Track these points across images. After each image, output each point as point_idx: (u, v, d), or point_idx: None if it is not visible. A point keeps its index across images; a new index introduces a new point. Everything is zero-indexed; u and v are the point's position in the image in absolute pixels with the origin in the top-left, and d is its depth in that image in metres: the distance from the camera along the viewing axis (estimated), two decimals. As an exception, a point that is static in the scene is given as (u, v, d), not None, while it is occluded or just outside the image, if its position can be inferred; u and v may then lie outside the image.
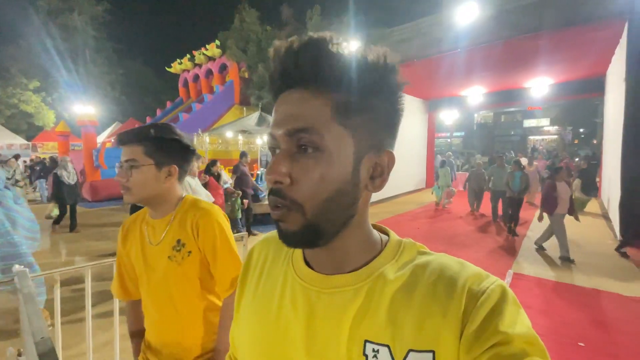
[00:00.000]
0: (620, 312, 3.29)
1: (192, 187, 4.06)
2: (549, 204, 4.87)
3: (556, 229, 4.90)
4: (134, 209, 3.70)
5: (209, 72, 20.68)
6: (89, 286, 1.85)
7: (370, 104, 0.40)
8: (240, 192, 5.69)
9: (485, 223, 7.33)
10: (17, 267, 1.49)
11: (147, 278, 1.09)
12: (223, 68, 19.81)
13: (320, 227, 0.40)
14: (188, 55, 21.16)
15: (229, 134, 8.95)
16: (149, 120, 19.71)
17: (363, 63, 0.39)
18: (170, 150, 1.09)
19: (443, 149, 27.39)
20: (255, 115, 9.15)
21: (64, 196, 6.46)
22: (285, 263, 0.50)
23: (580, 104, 23.45)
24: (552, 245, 5.23)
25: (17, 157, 10.03)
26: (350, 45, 0.39)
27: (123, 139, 1.05)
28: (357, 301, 0.41)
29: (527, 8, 6.85)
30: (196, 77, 21.52)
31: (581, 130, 27.41)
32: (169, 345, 1.09)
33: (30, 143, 19.39)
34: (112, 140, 15.24)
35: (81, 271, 1.86)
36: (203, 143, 8.59)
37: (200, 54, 20.40)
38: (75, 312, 3.13)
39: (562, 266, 4.61)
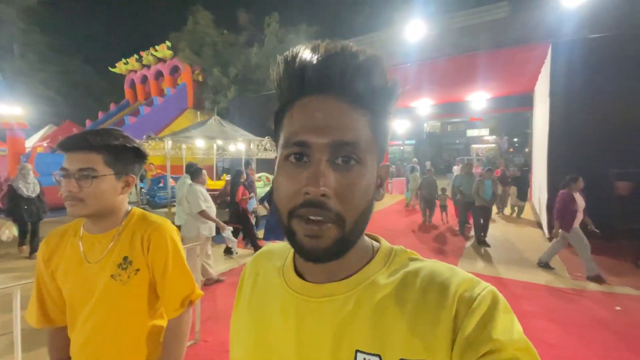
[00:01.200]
0: (549, 302, 3.68)
1: (204, 196, 4.04)
2: (567, 219, 4.19)
3: (577, 245, 4.21)
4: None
5: (159, 74, 19.66)
6: (17, 308, 1.65)
7: (389, 119, 0.43)
8: (253, 195, 5.89)
9: (437, 230, 7.79)
10: None
11: (80, 300, 0.97)
12: (175, 70, 18.96)
13: (352, 239, 0.40)
14: (135, 56, 19.94)
15: (189, 139, 8.51)
16: (89, 123, 18.12)
17: (390, 80, 0.41)
18: (129, 160, 1.01)
19: (396, 156, 28.75)
20: (212, 120, 8.82)
21: (22, 213, 5.29)
22: (276, 276, 0.49)
23: (514, 116, 26.08)
24: (493, 245, 5.71)
25: None
26: (378, 61, 0.40)
27: (74, 144, 0.93)
28: (346, 309, 0.41)
29: (465, 29, 7.59)
30: (144, 79, 20.33)
31: (515, 139, 30.50)
32: None
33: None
34: (45, 145, 13.72)
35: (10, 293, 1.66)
36: (157, 148, 8.02)
37: (148, 55, 19.34)
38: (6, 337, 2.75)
39: (500, 263, 5.04)
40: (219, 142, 8.32)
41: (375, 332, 0.39)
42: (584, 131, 5.89)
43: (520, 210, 8.80)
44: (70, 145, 0.93)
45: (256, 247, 5.62)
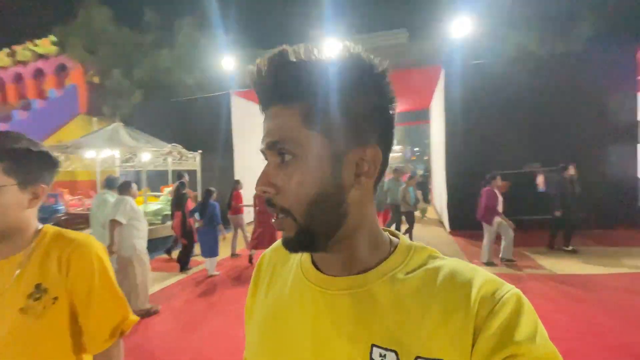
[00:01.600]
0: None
1: (133, 210, 3.63)
2: (491, 214, 4.71)
3: (489, 234, 4.87)
4: None
5: (39, 73, 16.63)
6: None
7: (341, 104, 0.39)
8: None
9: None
10: None
11: None
12: (61, 69, 16.27)
13: (312, 230, 0.40)
14: (6, 49, 16.51)
15: (75, 150, 7.26)
16: None
17: (325, 66, 0.39)
18: (36, 167, 0.85)
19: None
20: (111, 128, 7.77)
21: None
22: (294, 267, 0.50)
23: (415, 129, 29.81)
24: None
25: None
26: (316, 51, 0.40)
27: None
28: (363, 304, 0.41)
29: (374, 50, 8.47)
30: (18, 77, 16.93)
31: (416, 149, 34.77)
32: None
33: None
34: None
35: None
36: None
37: (25, 49, 16.24)
38: None
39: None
40: (117, 153, 7.39)
41: (392, 328, 0.38)
42: (474, 140, 7.09)
43: (425, 211, 10.05)
44: None
45: (184, 267, 5.26)
